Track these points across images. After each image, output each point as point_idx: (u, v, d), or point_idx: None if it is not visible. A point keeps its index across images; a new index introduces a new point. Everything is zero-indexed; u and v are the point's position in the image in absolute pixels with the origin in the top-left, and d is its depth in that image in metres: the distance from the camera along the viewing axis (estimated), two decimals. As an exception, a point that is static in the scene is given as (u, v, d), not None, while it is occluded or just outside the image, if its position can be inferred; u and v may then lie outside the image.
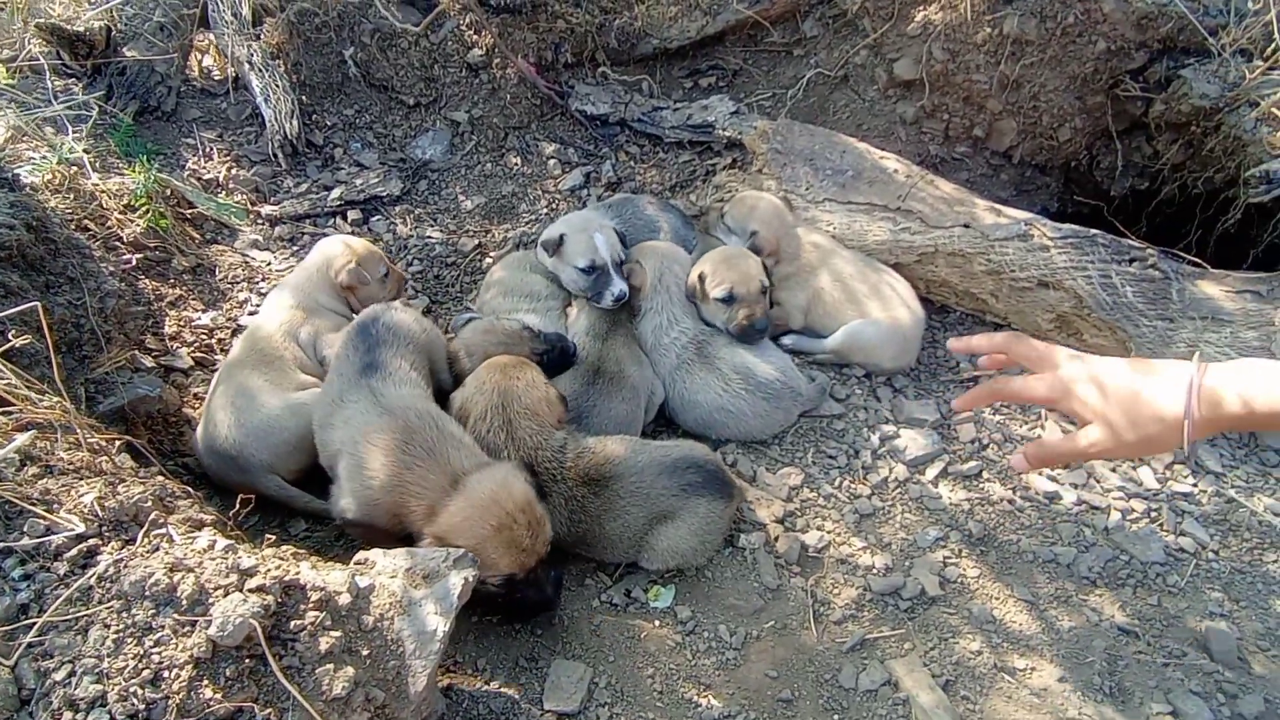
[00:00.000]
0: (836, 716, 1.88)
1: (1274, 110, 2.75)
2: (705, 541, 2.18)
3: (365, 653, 1.43)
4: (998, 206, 3.09)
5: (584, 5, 4.12)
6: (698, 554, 2.18)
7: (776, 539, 2.33)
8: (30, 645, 1.17)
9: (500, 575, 1.83)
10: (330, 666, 1.35)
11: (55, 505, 1.30)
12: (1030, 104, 3.33)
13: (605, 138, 4.03)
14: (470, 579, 1.63)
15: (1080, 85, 3.20)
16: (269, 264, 3.33)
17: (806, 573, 2.27)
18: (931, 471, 2.65)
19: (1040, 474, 2.67)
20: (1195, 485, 2.62)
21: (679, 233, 3.06)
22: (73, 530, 1.26)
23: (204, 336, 2.91)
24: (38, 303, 1.47)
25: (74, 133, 3.21)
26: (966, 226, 3.02)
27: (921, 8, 3.51)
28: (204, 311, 3.02)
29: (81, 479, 1.41)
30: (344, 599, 1.45)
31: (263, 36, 3.92)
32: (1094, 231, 2.85)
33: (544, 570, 1.91)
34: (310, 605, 1.39)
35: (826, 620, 2.14)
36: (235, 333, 2.98)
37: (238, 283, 3.21)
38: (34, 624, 1.17)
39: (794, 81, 4.01)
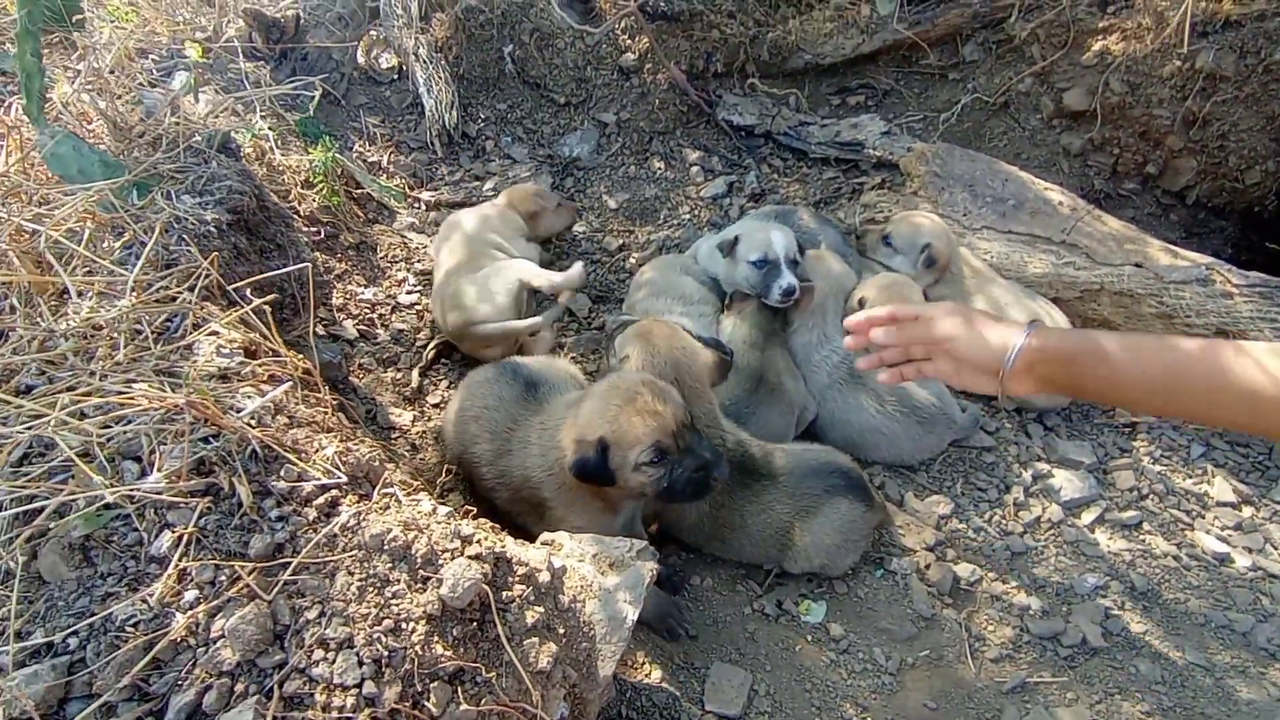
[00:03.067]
0: (1001, 759, 1.81)
1: None
2: (847, 541, 2.15)
3: (561, 631, 1.47)
4: (1173, 248, 2.94)
5: (739, 17, 4.14)
6: (839, 554, 2.15)
7: (928, 567, 2.28)
8: (285, 583, 1.24)
9: (647, 448, 1.77)
10: (536, 640, 1.38)
11: (304, 454, 1.38)
12: (1216, 143, 3.16)
13: (749, 149, 4.03)
14: (654, 572, 1.65)
15: (1279, 126, 3.02)
16: (424, 246, 3.47)
17: (959, 605, 2.21)
18: (1088, 516, 2.54)
19: (1208, 532, 2.52)
20: (1388, 564, 2.43)
21: (837, 248, 3.03)
22: (323, 480, 1.33)
23: (366, 310, 3.06)
24: (309, 263, 1.58)
25: (261, 111, 3.42)
26: (1138, 266, 2.89)
27: (1100, 37, 3.38)
28: (366, 287, 3.16)
29: (318, 432, 1.50)
30: (543, 576, 1.49)
31: (430, 30, 4.10)
32: (1288, 281, 2.68)
33: (693, 436, 1.85)
34: (517, 579, 1.43)
35: (982, 657, 2.07)
36: (394, 309, 3.12)
37: (396, 262, 3.35)
38: (289, 563, 1.25)
39: (948, 105, 3.93)
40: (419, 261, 3.37)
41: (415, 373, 2.76)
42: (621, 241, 3.60)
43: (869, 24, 4.00)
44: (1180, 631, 2.21)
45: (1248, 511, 2.59)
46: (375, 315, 3.05)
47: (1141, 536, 2.50)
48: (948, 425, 2.62)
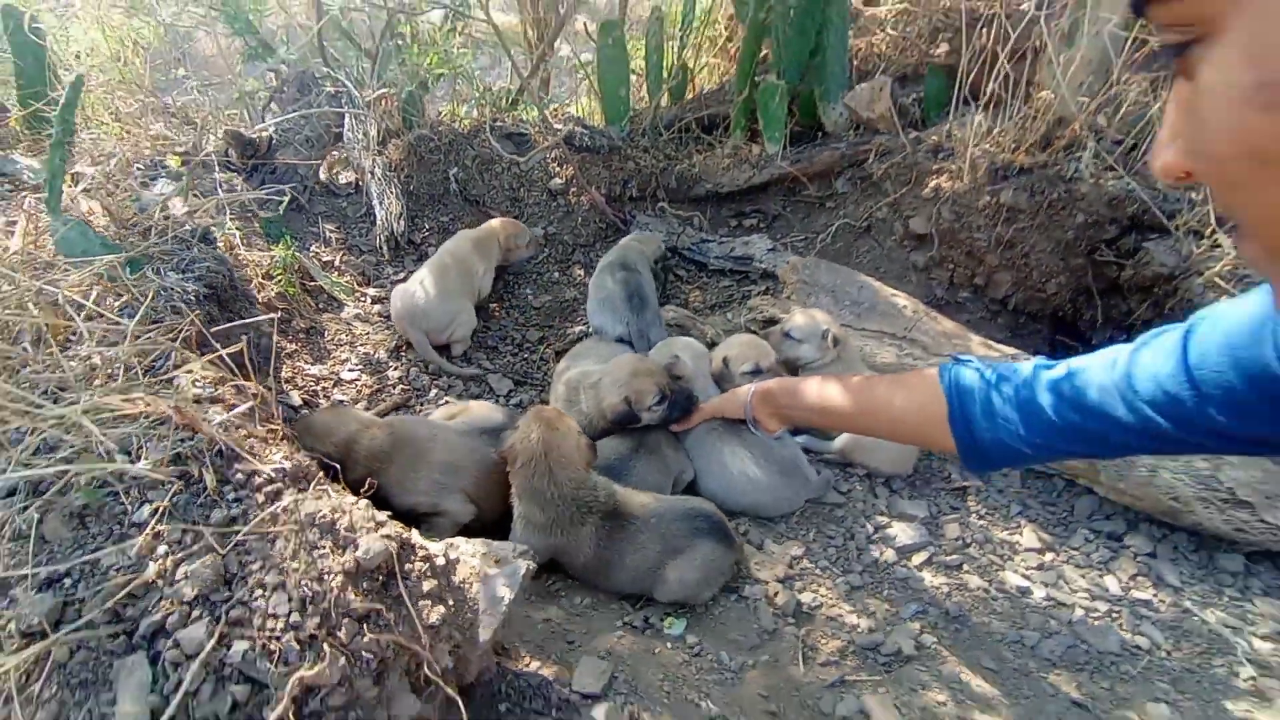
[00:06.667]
0: (815, 733, 2.21)
1: (1216, 279, 3.29)
2: (708, 577, 2.58)
3: (451, 602, 1.87)
4: (990, 342, 3.62)
5: (651, 151, 4.93)
6: (701, 587, 2.58)
7: (776, 594, 2.72)
8: (236, 545, 1.65)
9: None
10: (429, 602, 1.79)
11: (258, 456, 1.81)
12: (1022, 261, 3.92)
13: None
14: (530, 569, 2.08)
15: (1064, 249, 3.80)
16: (366, 333, 3.95)
17: (800, 624, 2.64)
18: (918, 559, 3.03)
19: (1015, 572, 3.03)
20: (1155, 595, 2.96)
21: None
22: (270, 473, 1.76)
23: (311, 383, 3.49)
24: (274, 315, 2.04)
25: (231, 215, 3.95)
26: (961, 356, 3.54)
27: (934, 177, 4.20)
28: (313, 364, 3.62)
29: (269, 444, 1.93)
30: (440, 560, 1.91)
31: (385, 153, 4.77)
32: (1068, 368, 3.34)
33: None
34: (418, 559, 1.85)
35: (814, 662, 2.49)
36: (337, 383, 3.57)
37: (341, 345, 3.82)
38: (240, 531, 1.66)
39: (824, 228, 4.70)
40: (362, 346, 3.85)
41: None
42: (542, 334, 4.15)
43: (759, 160, 4.81)
44: (981, 645, 2.67)
45: (1049, 556, 3.12)
46: (319, 388, 3.49)
47: (960, 575, 2.99)
48: (804, 481, 3.13)
